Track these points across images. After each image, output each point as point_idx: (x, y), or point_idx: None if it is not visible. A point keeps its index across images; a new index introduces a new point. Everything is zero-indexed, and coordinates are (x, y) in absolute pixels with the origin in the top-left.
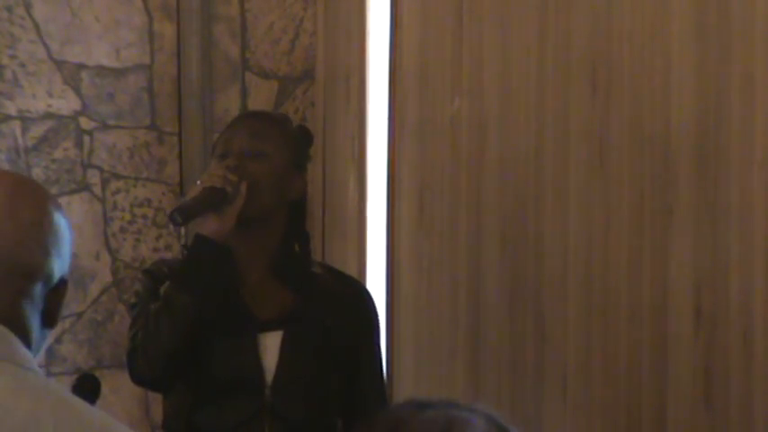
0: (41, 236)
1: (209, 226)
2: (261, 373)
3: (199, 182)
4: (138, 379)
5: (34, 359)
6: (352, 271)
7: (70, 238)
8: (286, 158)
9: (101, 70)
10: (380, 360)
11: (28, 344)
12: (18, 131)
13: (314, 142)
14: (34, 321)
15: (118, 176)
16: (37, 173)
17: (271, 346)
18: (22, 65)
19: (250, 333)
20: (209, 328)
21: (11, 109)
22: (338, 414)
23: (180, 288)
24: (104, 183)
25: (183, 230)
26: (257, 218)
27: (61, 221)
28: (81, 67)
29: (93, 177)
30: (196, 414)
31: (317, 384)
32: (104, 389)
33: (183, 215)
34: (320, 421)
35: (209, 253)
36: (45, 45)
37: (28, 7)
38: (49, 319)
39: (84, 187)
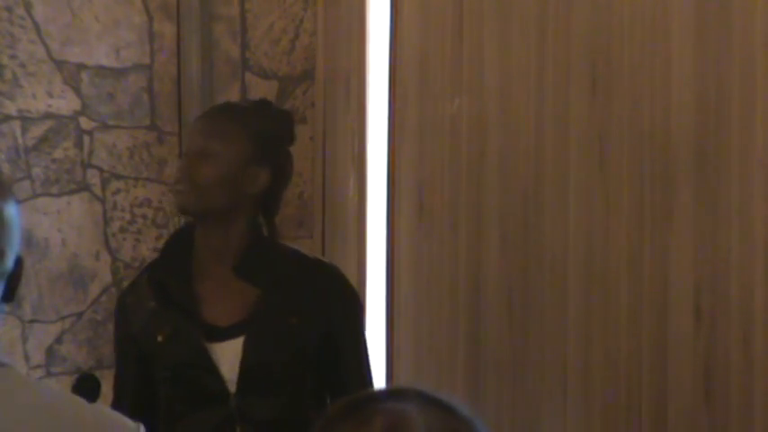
0: None
1: None
2: (223, 384)
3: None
4: None
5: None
6: (351, 271)
7: (19, 222)
8: (242, 154)
9: (101, 70)
10: (364, 348)
11: None
12: (18, 131)
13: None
14: None
15: (118, 176)
16: (37, 173)
17: (232, 354)
18: (22, 65)
19: (206, 345)
20: (165, 350)
21: (11, 109)
22: (315, 409)
23: None
24: (104, 183)
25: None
26: (210, 215)
27: (11, 214)
28: (81, 67)
29: (93, 177)
30: (168, 425)
31: (284, 384)
32: (104, 389)
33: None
34: (293, 418)
35: None
36: (45, 45)
37: (28, 7)
38: (10, 296)
39: (84, 187)
